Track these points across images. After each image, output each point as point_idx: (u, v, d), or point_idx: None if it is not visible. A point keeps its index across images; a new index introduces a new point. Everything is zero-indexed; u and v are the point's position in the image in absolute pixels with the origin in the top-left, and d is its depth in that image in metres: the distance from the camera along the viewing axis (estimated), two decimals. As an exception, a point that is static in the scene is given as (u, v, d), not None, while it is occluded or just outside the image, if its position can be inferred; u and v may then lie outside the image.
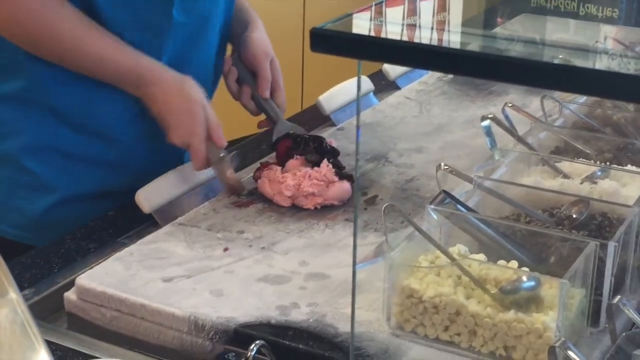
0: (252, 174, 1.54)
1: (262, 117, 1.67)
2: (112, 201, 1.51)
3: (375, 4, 1.01)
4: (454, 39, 0.95)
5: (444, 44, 0.91)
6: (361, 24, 0.90)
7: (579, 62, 0.93)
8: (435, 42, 0.90)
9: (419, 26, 0.96)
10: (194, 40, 1.58)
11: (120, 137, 1.55)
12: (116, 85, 1.49)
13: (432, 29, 0.97)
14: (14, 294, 0.74)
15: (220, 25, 1.63)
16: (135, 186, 1.47)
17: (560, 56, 0.92)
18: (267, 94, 1.64)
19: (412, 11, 1.10)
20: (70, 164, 1.53)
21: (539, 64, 0.88)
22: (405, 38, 0.90)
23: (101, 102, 1.52)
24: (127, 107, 1.53)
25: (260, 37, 1.68)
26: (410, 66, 1.77)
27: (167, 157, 1.57)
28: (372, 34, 0.88)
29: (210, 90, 1.65)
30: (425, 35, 0.92)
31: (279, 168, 1.49)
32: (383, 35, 0.89)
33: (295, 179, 1.46)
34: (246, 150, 1.71)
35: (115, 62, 1.48)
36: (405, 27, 0.95)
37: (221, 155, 1.50)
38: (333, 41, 0.85)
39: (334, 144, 1.56)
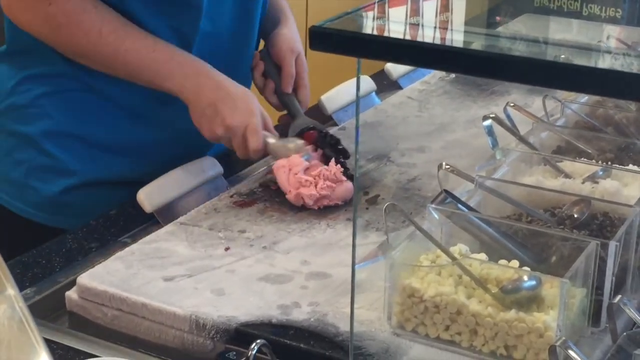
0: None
1: (285, 112, 1.68)
2: (128, 190, 1.51)
3: (378, 2, 1.01)
4: (453, 37, 0.95)
5: (443, 42, 0.91)
6: (361, 22, 0.90)
7: (581, 61, 0.93)
8: (434, 41, 0.90)
9: (420, 25, 0.96)
10: (222, 52, 1.60)
11: (144, 124, 1.58)
12: (155, 80, 1.51)
13: (432, 27, 0.97)
14: (12, 291, 0.74)
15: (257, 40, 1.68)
16: (154, 177, 1.49)
17: (563, 55, 0.92)
18: (289, 89, 1.67)
19: (415, 11, 1.10)
20: (91, 151, 1.56)
21: (541, 62, 0.88)
22: (405, 36, 0.90)
23: (124, 91, 1.55)
24: (151, 95, 1.55)
25: (289, 34, 1.70)
26: (409, 64, 1.78)
27: (190, 149, 1.59)
28: (372, 32, 0.88)
29: None
30: (424, 34, 0.91)
31: (304, 163, 1.49)
32: (382, 33, 0.89)
33: (310, 179, 1.46)
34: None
35: (154, 59, 1.50)
36: (404, 25, 0.95)
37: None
38: (332, 39, 0.85)
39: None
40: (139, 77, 1.51)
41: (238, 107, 1.50)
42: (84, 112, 1.55)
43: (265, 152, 1.53)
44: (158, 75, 1.50)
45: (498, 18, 1.36)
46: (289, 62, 1.67)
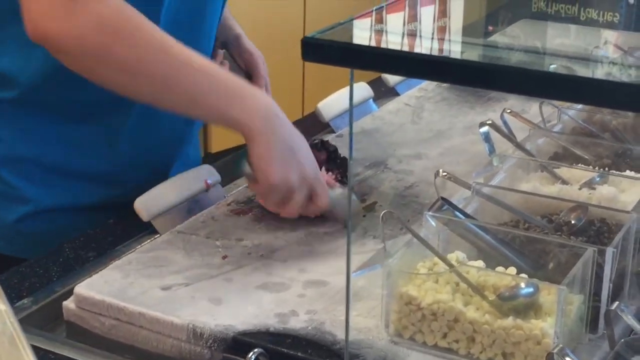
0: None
1: None
2: (89, 216, 1.49)
3: (376, 9, 1.01)
4: (448, 47, 0.96)
5: (438, 52, 0.91)
6: (354, 33, 0.90)
7: (577, 70, 0.93)
8: (428, 51, 0.90)
9: (413, 34, 0.96)
10: (192, 13, 1.50)
11: (102, 150, 1.51)
12: (219, 106, 1.33)
13: (426, 37, 0.98)
14: (2, 306, 0.74)
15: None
16: (119, 201, 1.46)
17: (558, 65, 0.92)
18: (267, 94, 1.62)
19: (413, 17, 1.10)
20: (47, 176, 1.49)
21: (536, 73, 0.88)
22: (397, 47, 0.90)
23: (94, 116, 1.48)
24: (120, 122, 1.50)
25: (250, 42, 1.67)
26: (402, 75, 1.77)
27: (150, 173, 1.54)
28: (365, 42, 0.89)
29: None
30: (417, 44, 0.92)
31: None
32: (376, 43, 0.89)
33: None
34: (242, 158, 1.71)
35: (225, 83, 1.34)
36: (398, 35, 0.95)
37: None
38: (324, 50, 0.85)
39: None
40: (204, 101, 1.32)
41: (310, 155, 1.37)
42: (37, 135, 1.47)
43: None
44: (227, 99, 1.32)
45: (490, 28, 1.36)
46: (262, 68, 1.64)
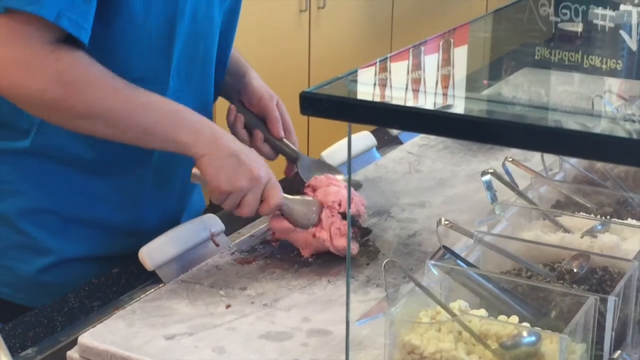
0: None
1: (279, 161, 1.68)
2: (109, 264, 1.51)
3: (380, 60, 1.02)
4: (445, 101, 0.97)
5: (434, 107, 0.92)
6: (352, 87, 0.91)
7: (576, 125, 0.93)
8: (424, 105, 0.91)
9: (412, 88, 0.97)
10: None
11: (121, 200, 1.55)
12: (169, 133, 1.44)
13: (423, 90, 0.99)
14: (4, 358, 0.74)
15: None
16: (134, 250, 1.47)
17: (558, 118, 0.92)
18: (281, 133, 1.65)
19: (417, 66, 1.11)
20: (67, 227, 1.52)
21: (537, 128, 0.88)
22: (394, 101, 0.91)
23: (112, 167, 1.52)
24: (139, 173, 1.54)
25: (259, 82, 1.69)
26: (398, 129, 1.78)
27: (169, 221, 1.57)
28: (362, 97, 0.90)
29: None
30: (415, 98, 0.93)
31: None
32: (372, 98, 0.90)
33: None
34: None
35: (170, 111, 1.45)
36: (396, 90, 0.96)
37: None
38: (322, 105, 0.86)
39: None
40: (154, 131, 1.43)
41: (258, 160, 1.47)
42: (56, 187, 1.51)
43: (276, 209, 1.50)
44: (174, 127, 1.44)
45: (492, 77, 1.37)
46: (272, 108, 1.65)
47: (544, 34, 1.58)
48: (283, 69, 4.06)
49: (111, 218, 1.55)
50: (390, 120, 0.87)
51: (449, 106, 0.91)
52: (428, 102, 0.98)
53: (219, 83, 1.65)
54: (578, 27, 1.57)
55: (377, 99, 0.90)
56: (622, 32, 1.52)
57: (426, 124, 0.83)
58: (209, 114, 1.60)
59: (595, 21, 1.52)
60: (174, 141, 1.44)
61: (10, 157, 1.51)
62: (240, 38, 1.72)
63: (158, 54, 1.48)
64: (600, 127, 0.95)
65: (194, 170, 1.53)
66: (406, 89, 0.97)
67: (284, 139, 1.66)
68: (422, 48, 1.13)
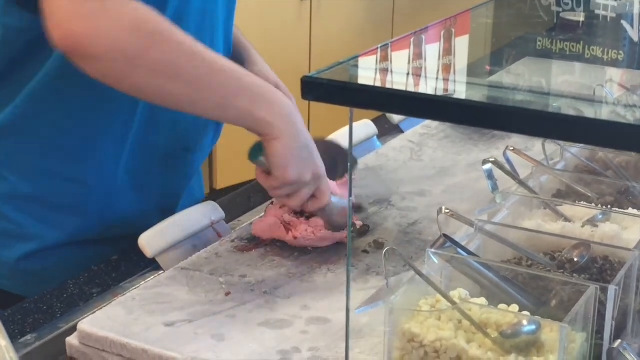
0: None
1: None
2: (94, 250, 1.49)
3: (381, 47, 1.02)
4: (447, 86, 0.96)
5: (436, 92, 0.92)
6: (354, 72, 0.91)
7: (580, 110, 0.93)
8: (426, 90, 0.91)
9: (414, 73, 0.97)
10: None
11: (104, 185, 1.51)
12: (249, 107, 1.34)
13: (424, 76, 0.98)
14: (3, 341, 0.74)
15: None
16: (122, 234, 1.46)
17: (561, 104, 0.92)
18: None
19: (418, 55, 1.11)
20: (51, 213, 1.50)
21: (539, 114, 0.88)
22: (396, 86, 0.91)
23: (88, 149, 1.48)
24: (114, 155, 1.50)
25: (263, 70, 1.65)
26: (400, 114, 1.78)
27: (152, 207, 1.55)
28: (364, 82, 0.89)
29: None
30: (417, 83, 0.92)
31: None
32: (374, 83, 0.90)
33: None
34: (249, 194, 1.72)
35: (251, 83, 1.35)
36: (398, 75, 0.96)
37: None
38: (323, 89, 0.86)
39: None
40: (233, 102, 1.33)
41: (319, 157, 1.41)
42: (37, 172, 1.47)
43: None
44: (253, 102, 1.34)
45: (494, 66, 1.37)
46: None
47: (546, 24, 1.58)
48: (284, 58, 4.06)
49: (94, 202, 1.52)
50: (392, 105, 0.87)
51: (451, 92, 0.91)
52: (430, 87, 0.97)
53: None
54: (580, 17, 1.57)
55: (379, 84, 0.90)
56: (623, 22, 1.52)
57: (430, 109, 0.83)
58: None
59: (597, 11, 1.52)
60: (251, 116, 1.34)
61: None
62: (241, 27, 1.71)
63: None
64: (604, 113, 0.95)
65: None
66: (408, 74, 0.97)
67: None
68: (423, 36, 1.13)
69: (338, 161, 1.55)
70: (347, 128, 1.85)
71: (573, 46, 1.53)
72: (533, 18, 1.58)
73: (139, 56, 1.25)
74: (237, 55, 1.67)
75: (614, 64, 1.52)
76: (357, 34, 4.52)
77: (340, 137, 1.86)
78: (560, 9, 1.55)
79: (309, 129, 1.42)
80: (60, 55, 1.30)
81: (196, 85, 1.30)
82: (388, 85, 0.90)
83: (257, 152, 1.39)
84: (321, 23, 4.42)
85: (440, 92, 0.93)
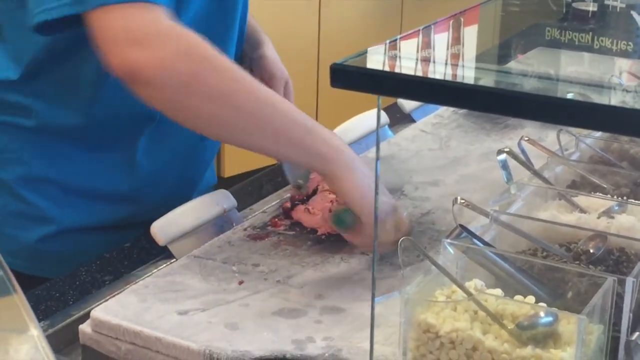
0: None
1: None
2: (113, 235, 1.50)
3: (390, 42, 1.01)
4: (470, 74, 0.96)
5: (460, 80, 0.91)
6: (380, 60, 0.90)
7: (593, 97, 0.93)
8: (447, 77, 0.90)
9: (436, 61, 0.96)
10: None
11: (122, 171, 1.53)
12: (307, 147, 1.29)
13: (441, 63, 0.97)
14: (35, 331, 0.74)
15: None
16: (140, 220, 1.46)
17: (574, 92, 0.91)
18: None
19: (427, 44, 1.11)
20: (68, 197, 1.51)
21: (554, 100, 0.88)
22: (425, 74, 0.90)
23: (108, 136, 1.50)
24: (132, 142, 1.52)
25: (273, 56, 1.65)
26: (429, 102, 1.77)
27: (173, 195, 1.56)
28: (391, 69, 0.89)
29: None
30: (444, 71, 0.92)
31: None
32: (402, 71, 0.89)
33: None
34: (261, 183, 1.71)
35: (311, 127, 1.30)
36: (423, 63, 0.96)
37: None
38: (353, 77, 0.85)
39: None
40: (289, 135, 1.28)
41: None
42: (57, 158, 1.49)
43: None
44: (310, 138, 1.29)
45: (504, 56, 1.36)
46: (279, 90, 1.62)
47: (557, 14, 1.58)
48: (293, 49, 4.05)
49: (113, 188, 1.54)
50: (422, 93, 0.86)
51: (483, 80, 0.90)
52: (453, 74, 0.97)
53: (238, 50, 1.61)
54: (591, 7, 1.57)
55: (409, 72, 0.89)
56: (633, 12, 1.51)
57: (462, 97, 0.82)
58: None
59: (607, 1, 1.51)
60: (310, 150, 1.29)
61: (12, 129, 1.49)
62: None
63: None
64: (622, 100, 0.94)
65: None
66: (433, 62, 0.96)
67: None
68: (457, 20, 1.12)
69: None
70: (355, 119, 1.87)
71: (582, 37, 1.52)
72: (544, 7, 1.58)
73: (193, 82, 1.23)
74: (249, 37, 1.66)
75: (626, 54, 1.51)
76: (366, 24, 4.50)
77: (349, 127, 1.86)
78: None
79: (316, 120, 1.40)
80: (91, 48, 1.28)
81: (249, 114, 1.26)
82: (420, 74, 0.89)
83: (344, 213, 1.34)
84: (330, 13, 4.40)
85: (471, 80, 0.92)
